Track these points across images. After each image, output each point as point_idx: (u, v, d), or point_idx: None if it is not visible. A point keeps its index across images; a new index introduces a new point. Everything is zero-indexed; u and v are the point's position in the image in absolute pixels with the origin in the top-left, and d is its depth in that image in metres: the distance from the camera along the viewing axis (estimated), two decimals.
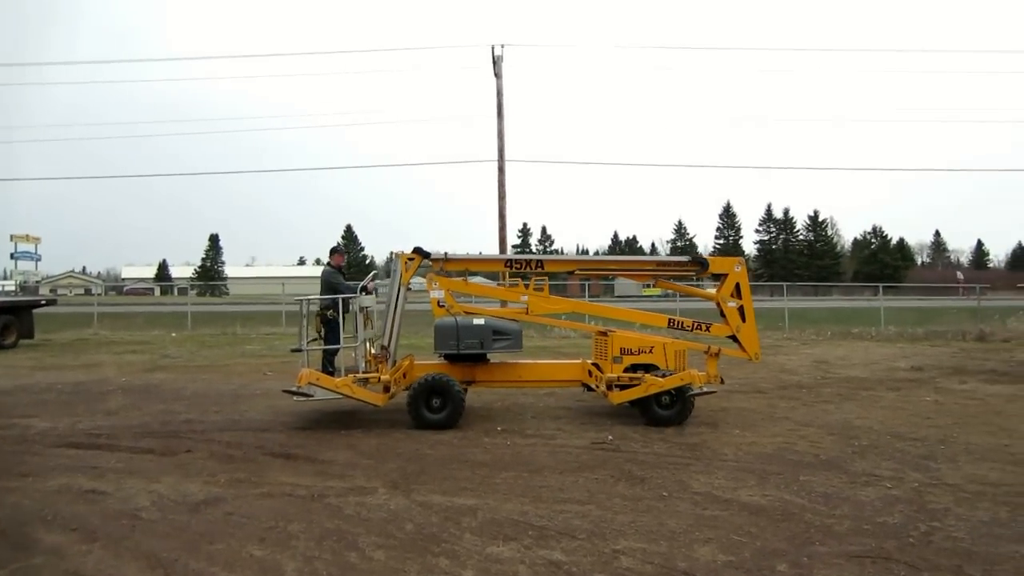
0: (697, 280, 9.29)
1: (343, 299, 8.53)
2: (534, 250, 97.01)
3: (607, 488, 5.49)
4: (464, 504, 5.10)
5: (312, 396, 7.55)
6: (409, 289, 8.50)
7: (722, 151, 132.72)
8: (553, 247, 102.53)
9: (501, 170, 21.88)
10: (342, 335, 8.59)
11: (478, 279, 9.24)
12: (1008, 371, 12.19)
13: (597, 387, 8.28)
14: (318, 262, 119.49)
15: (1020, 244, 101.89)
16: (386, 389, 7.84)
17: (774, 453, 6.57)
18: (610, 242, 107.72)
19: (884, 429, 7.58)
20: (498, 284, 9.20)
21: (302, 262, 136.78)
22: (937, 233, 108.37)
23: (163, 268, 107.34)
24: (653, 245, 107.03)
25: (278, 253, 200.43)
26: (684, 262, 8.66)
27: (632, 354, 8.09)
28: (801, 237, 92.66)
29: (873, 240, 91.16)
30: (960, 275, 59.40)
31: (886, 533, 4.50)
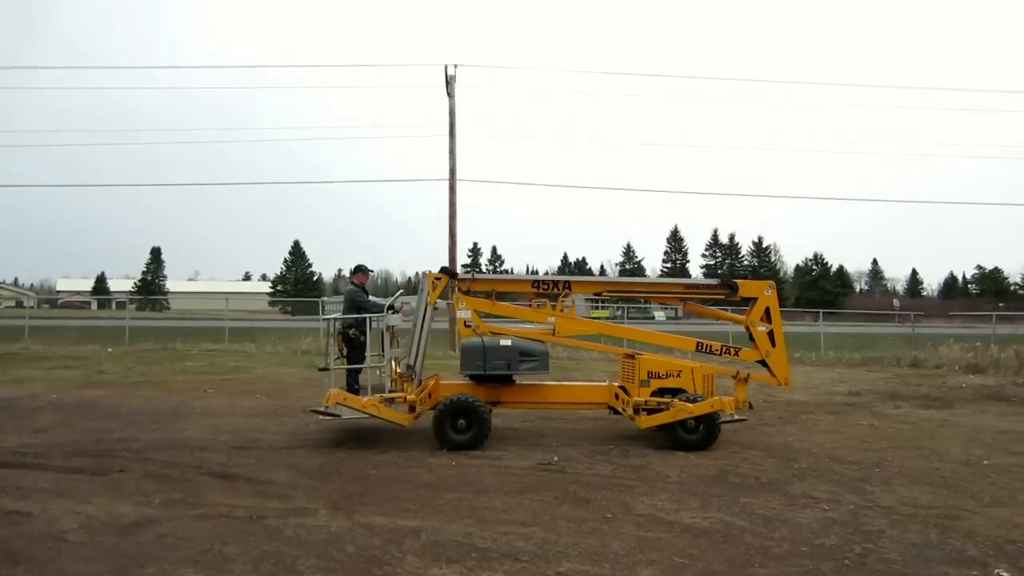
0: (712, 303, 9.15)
1: (366, 318, 8.47)
2: (484, 269, 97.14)
3: (552, 510, 5.49)
4: (407, 526, 5.03)
5: (339, 416, 7.53)
6: (435, 308, 8.46)
7: (670, 175, 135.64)
8: (503, 267, 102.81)
9: (452, 189, 21.92)
10: (367, 354, 8.46)
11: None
12: (940, 396, 12.66)
13: (624, 411, 8.17)
14: (264, 278, 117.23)
15: (952, 274, 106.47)
16: (412, 409, 7.76)
17: (717, 475, 6.68)
18: (560, 263, 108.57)
19: (823, 452, 7.77)
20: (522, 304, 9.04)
21: (247, 277, 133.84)
22: (875, 262, 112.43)
23: (101, 281, 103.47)
24: (602, 267, 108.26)
25: (223, 268, 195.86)
26: (713, 285, 8.65)
27: (660, 378, 7.98)
28: (746, 262, 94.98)
29: (814, 267, 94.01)
30: (896, 302, 61.67)
31: (823, 555, 4.60)
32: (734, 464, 7.11)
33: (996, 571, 4.36)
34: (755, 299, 8.35)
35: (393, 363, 8.26)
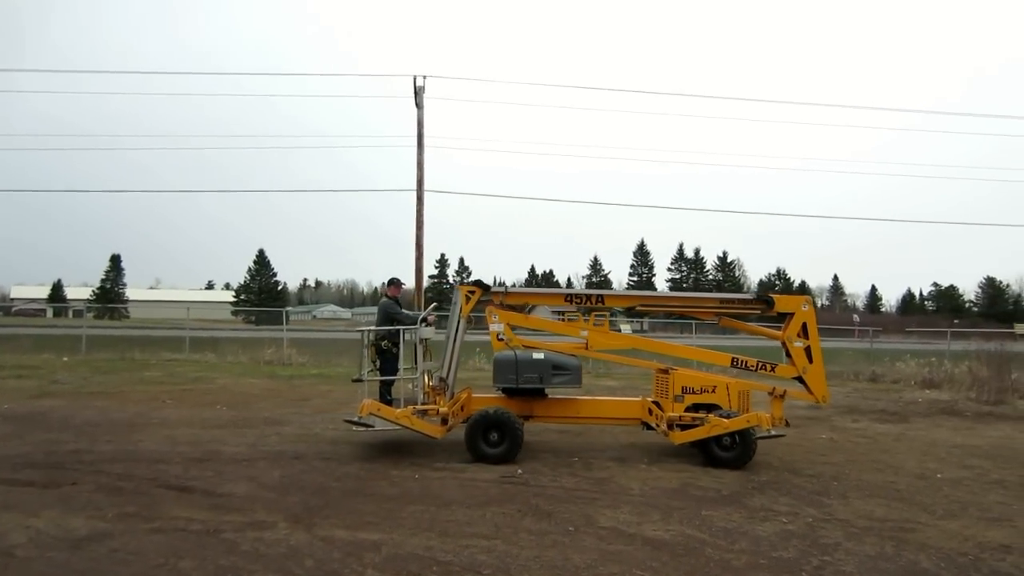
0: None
1: (399, 330, 8.43)
2: (451, 280, 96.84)
3: (514, 523, 5.48)
4: (368, 539, 4.98)
5: (372, 427, 7.57)
6: (469, 321, 8.43)
7: (636, 190, 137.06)
8: (471, 279, 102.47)
9: (420, 199, 21.85)
10: (400, 366, 8.36)
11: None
12: (896, 411, 12.95)
13: (657, 426, 8.11)
14: (227, 287, 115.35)
15: (909, 291, 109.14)
16: (444, 421, 7.71)
17: (679, 488, 6.73)
18: (527, 275, 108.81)
19: (782, 465, 7.89)
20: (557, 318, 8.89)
21: (210, 286, 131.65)
22: (835, 278, 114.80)
23: (57, 288, 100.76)
24: (569, 279, 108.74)
25: (185, 276, 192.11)
26: (748, 300, 8.55)
27: (694, 393, 7.92)
28: (711, 276, 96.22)
29: (777, 282, 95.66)
30: (856, 318, 62.90)
31: (781, 567, 4.66)
32: (695, 477, 7.18)
33: None
34: (791, 314, 8.20)
35: (426, 376, 8.22)
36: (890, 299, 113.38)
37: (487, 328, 8.28)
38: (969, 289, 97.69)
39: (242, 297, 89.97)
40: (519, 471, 7.18)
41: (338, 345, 25.60)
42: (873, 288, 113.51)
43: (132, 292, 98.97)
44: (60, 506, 5.62)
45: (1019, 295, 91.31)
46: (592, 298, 8.67)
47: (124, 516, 5.39)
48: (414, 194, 21.99)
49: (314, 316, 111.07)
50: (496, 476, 6.97)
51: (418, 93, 22.05)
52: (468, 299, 8.25)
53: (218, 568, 4.36)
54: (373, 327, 8.89)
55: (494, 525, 5.39)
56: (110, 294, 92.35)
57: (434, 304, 9.19)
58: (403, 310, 9.12)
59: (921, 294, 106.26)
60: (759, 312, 8.54)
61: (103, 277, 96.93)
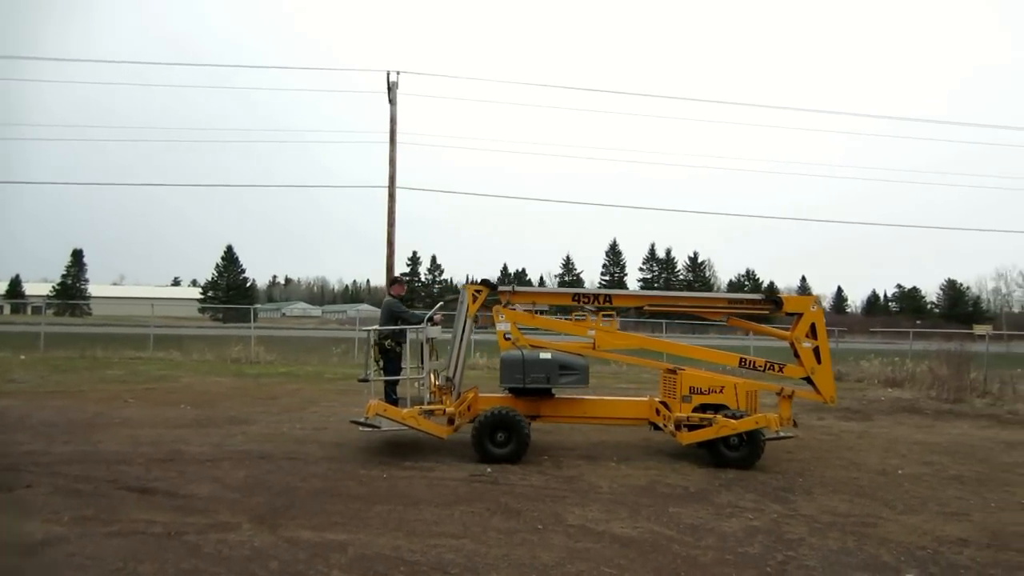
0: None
1: (404, 329, 8.38)
2: (423, 279, 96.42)
3: (483, 521, 5.45)
4: (334, 539, 4.91)
5: (379, 427, 7.50)
6: (476, 321, 8.34)
7: (609, 189, 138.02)
8: (443, 277, 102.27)
9: (392, 196, 21.68)
10: (407, 365, 8.30)
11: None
12: (860, 409, 13.20)
13: (665, 426, 8.06)
14: (194, 283, 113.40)
15: (874, 292, 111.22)
16: (451, 421, 7.64)
17: (647, 485, 6.76)
18: (499, 274, 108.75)
19: None
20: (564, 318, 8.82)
21: (177, 283, 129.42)
22: (803, 279, 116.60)
23: (15, 284, 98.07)
24: (542, 278, 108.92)
25: (150, 273, 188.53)
26: (757, 300, 8.53)
27: (702, 393, 7.89)
28: (681, 277, 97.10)
29: (746, 282, 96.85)
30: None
31: (746, 563, 4.70)
32: (663, 475, 7.22)
33: None
34: (800, 314, 8.20)
35: (432, 375, 8.14)
36: (856, 300, 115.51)
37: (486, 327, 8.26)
38: (931, 291, 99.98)
39: (209, 294, 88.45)
40: (488, 470, 7.16)
41: (307, 343, 25.37)
42: (839, 289, 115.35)
43: (94, 288, 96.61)
44: (13, 510, 5.47)
45: (978, 297, 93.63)
46: (600, 297, 8.64)
47: (82, 519, 5.24)
48: (386, 191, 21.83)
49: (283, 314, 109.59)
50: (465, 475, 6.93)
51: (391, 89, 21.87)
52: (475, 298, 8.19)
53: (179, 571, 4.26)
54: (377, 326, 8.80)
55: (462, 524, 5.36)
56: (71, 290, 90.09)
57: (441, 303, 9.10)
58: (408, 309, 9.05)
59: (886, 295, 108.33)
60: (767, 312, 8.57)
61: (64, 273, 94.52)
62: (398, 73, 21.89)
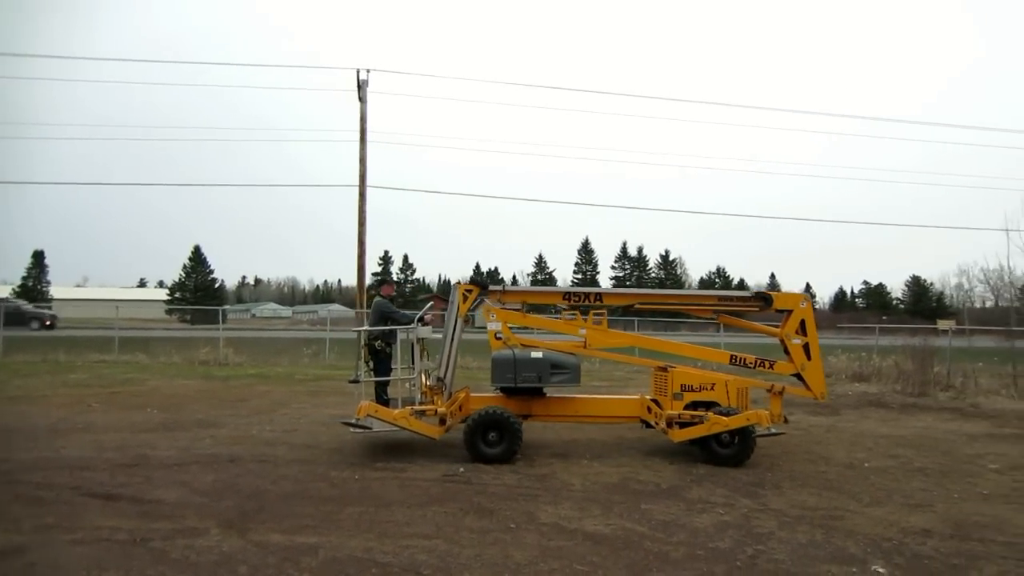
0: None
1: (393, 329, 8.32)
2: (395, 277, 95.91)
3: (455, 521, 5.43)
4: (305, 543, 4.85)
5: (370, 428, 7.43)
6: (466, 321, 8.27)
7: (580, 188, 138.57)
8: (415, 276, 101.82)
9: (362, 195, 21.59)
10: (397, 366, 8.23)
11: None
12: (828, 404, 13.36)
13: (657, 424, 8.07)
14: (161, 284, 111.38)
15: (841, 288, 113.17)
16: (442, 421, 7.56)
17: (619, 483, 6.80)
18: (472, 273, 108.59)
19: None
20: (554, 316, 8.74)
21: (143, 284, 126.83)
22: (772, 276, 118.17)
23: None
24: (515, 277, 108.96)
25: (115, 274, 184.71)
26: (747, 297, 8.58)
27: (693, 391, 7.89)
28: (653, 275, 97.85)
29: (716, 280, 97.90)
30: None
31: (717, 558, 4.75)
32: (636, 472, 7.26)
33: (873, 567, 4.63)
34: (790, 311, 8.24)
35: (423, 375, 8.09)
36: (823, 296, 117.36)
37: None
38: (896, 287, 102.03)
39: (177, 295, 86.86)
40: (461, 469, 7.14)
41: (277, 344, 25.05)
42: (808, 286, 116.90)
43: (57, 291, 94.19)
44: None
45: (942, 293, 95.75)
46: (591, 296, 8.64)
47: (43, 527, 5.12)
48: (356, 190, 21.68)
49: (253, 315, 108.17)
50: (438, 475, 6.91)
51: (361, 87, 21.76)
52: (466, 298, 8.15)
53: None
54: (367, 327, 8.76)
55: (435, 524, 5.34)
56: (32, 293, 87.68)
57: (430, 303, 9.07)
58: (399, 309, 9.00)
59: (852, 292, 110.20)
60: (757, 309, 8.60)
61: (24, 275, 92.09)
62: (368, 71, 21.84)
